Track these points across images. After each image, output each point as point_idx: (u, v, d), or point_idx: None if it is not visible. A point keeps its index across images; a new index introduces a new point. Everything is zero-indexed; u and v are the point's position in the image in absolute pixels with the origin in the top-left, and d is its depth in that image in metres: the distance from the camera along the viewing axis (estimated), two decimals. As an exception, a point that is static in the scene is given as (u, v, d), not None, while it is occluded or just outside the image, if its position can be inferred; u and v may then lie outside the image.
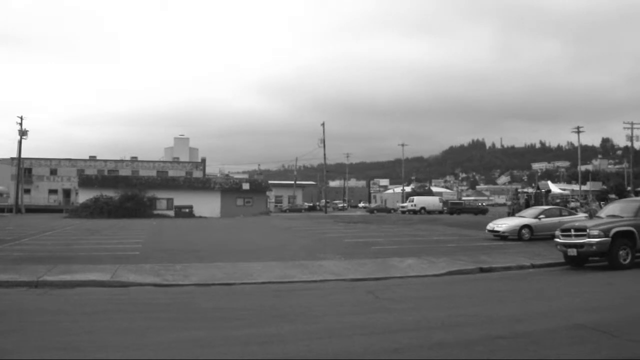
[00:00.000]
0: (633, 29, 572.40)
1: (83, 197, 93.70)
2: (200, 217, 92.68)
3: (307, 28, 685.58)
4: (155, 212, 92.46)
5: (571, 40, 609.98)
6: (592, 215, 35.84)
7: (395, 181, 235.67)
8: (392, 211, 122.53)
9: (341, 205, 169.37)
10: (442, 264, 23.45)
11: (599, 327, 11.12)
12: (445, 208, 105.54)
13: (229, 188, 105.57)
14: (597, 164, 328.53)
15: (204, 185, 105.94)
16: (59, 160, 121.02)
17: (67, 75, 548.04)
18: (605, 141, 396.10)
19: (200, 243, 35.13)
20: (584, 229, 22.99)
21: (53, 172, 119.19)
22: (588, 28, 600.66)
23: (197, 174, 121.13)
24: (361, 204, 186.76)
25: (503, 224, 38.11)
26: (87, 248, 30.77)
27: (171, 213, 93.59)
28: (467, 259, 25.11)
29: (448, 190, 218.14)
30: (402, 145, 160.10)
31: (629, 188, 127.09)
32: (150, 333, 11.04)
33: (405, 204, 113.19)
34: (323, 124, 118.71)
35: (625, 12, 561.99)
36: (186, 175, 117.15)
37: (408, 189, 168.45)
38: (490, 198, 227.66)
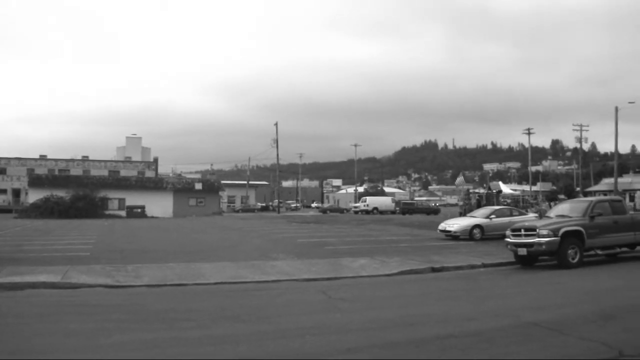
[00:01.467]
0: (581, 32, 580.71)
1: (33, 197, 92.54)
2: (153, 217, 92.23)
3: (260, 30, 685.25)
4: (107, 212, 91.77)
5: (520, 43, 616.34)
6: (542, 215, 36.25)
7: (348, 181, 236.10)
8: (345, 211, 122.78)
9: (294, 205, 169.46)
10: (394, 263, 23.54)
11: (548, 325, 11.25)
12: (397, 208, 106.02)
13: (181, 188, 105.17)
14: (547, 164, 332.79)
15: (156, 185, 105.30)
16: (8, 159, 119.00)
17: (17, 73, 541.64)
18: (555, 143, 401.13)
19: (152, 243, 34.93)
20: (533, 229, 23.28)
21: (2, 171, 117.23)
22: (536, 30, 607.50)
23: (150, 173, 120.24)
24: (314, 204, 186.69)
25: (455, 224, 38.40)
26: (37, 249, 30.39)
27: (123, 213, 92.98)
28: (419, 258, 25.24)
29: (401, 191, 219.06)
30: (355, 145, 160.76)
31: (577, 188, 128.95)
32: (100, 335, 10.90)
33: (358, 204, 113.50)
34: (276, 124, 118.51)
35: (573, 15, 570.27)
36: (138, 175, 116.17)
37: (361, 189, 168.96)
38: (443, 198, 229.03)
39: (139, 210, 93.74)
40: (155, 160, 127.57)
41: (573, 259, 22.64)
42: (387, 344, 9.97)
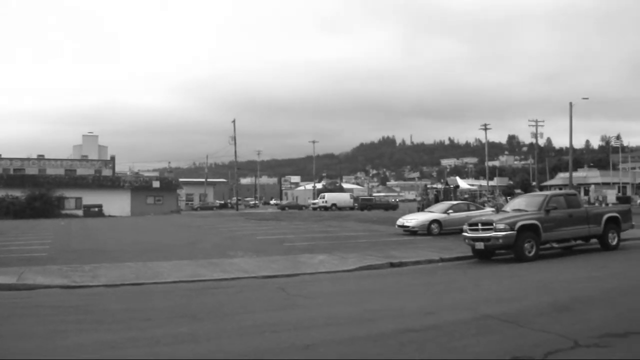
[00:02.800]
0: (535, 29, 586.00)
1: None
2: (110, 216, 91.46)
3: (219, 28, 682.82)
4: (64, 211, 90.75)
5: (474, 39, 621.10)
6: (498, 209, 36.58)
7: (306, 178, 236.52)
8: (304, 208, 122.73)
9: (253, 202, 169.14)
10: (352, 259, 23.62)
11: (505, 317, 11.34)
12: (356, 204, 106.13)
13: (139, 186, 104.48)
14: (504, 160, 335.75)
15: (113, 183, 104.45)
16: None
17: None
18: (512, 138, 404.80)
19: (110, 243, 34.62)
20: (490, 223, 23.50)
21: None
22: (490, 27, 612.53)
23: (107, 172, 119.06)
24: (273, 201, 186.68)
25: (413, 220, 38.57)
26: (-9, 250, 29.95)
27: (80, 212, 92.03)
28: (378, 254, 25.33)
29: (359, 187, 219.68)
30: (313, 142, 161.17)
31: (533, 183, 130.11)
32: (57, 337, 10.77)
33: (316, 201, 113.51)
34: (234, 121, 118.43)
35: (525, 12, 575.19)
36: (95, 173, 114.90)
37: (319, 185, 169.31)
38: (401, 194, 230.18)
39: (96, 209, 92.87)
40: (113, 158, 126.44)
41: (529, 252, 22.89)
42: (346, 340, 9.97)
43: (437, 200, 70.77)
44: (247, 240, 34.90)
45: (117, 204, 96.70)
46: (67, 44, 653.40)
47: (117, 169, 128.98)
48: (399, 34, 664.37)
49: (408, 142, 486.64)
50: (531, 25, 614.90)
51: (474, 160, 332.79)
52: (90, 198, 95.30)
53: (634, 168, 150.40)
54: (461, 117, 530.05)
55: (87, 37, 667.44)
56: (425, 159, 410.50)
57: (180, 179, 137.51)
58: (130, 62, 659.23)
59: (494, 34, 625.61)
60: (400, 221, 39.43)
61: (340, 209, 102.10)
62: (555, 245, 25.58)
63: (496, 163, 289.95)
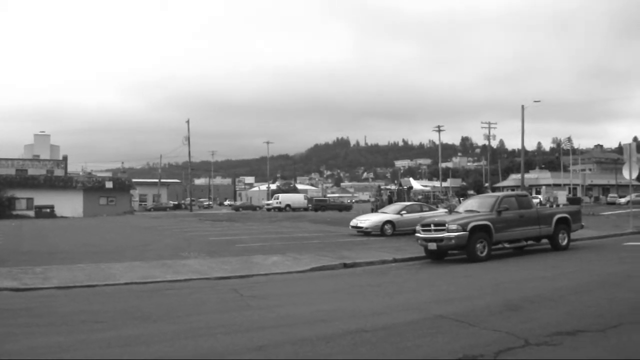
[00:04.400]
0: (489, 32, 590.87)
1: None
2: (62, 217, 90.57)
3: (172, 26, 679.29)
4: (15, 212, 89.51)
5: (427, 42, 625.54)
6: (451, 210, 36.83)
7: (261, 179, 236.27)
8: (258, 209, 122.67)
9: (207, 203, 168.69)
10: (306, 260, 23.65)
11: (457, 317, 11.45)
12: (310, 205, 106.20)
13: (91, 187, 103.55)
14: (457, 161, 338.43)
15: (65, 184, 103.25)
16: None
17: None
18: (465, 140, 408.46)
19: (61, 244, 34.30)
20: (443, 224, 23.68)
21: None
22: (444, 30, 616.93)
23: (59, 172, 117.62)
24: (227, 202, 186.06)
25: (366, 220, 38.71)
26: (-61, 252, 29.50)
27: (32, 213, 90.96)
28: (331, 255, 25.41)
29: (313, 188, 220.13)
30: (267, 143, 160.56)
31: (486, 184, 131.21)
32: (7, 341, 10.59)
33: (270, 202, 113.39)
34: (188, 122, 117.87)
35: (480, 15, 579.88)
36: (47, 173, 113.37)
37: (273, 186, 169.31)
38: (355, 195, 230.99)
39: (48, 210, 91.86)
40: (65, 158, 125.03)
41: (481, 252, 23.12)
42: (299, 341, 9.99)
43: (390, 201, 71.18)
44: (201, 241, 34.82)
45: (69, 205, 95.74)
46: (18, 42, 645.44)
47: (70, 169, 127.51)
48: (353, 36, 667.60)
49: (362, 143, 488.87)
50: (485, 28, 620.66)
51: (427, 161, 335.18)
52: (42, 199, 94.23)
53: (583, 170, 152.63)
54: (415, 119, 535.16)
55: (38, 35, 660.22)
56: (379, 160, 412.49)
57: (134, 180, 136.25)
58: (83, 61, 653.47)
59: (448, 37, 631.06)
60: (353, 222, 39.56)
61: (295, 209, 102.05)
62: (507, 245, 25.85)
63: (449, 164, 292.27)
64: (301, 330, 10.80)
